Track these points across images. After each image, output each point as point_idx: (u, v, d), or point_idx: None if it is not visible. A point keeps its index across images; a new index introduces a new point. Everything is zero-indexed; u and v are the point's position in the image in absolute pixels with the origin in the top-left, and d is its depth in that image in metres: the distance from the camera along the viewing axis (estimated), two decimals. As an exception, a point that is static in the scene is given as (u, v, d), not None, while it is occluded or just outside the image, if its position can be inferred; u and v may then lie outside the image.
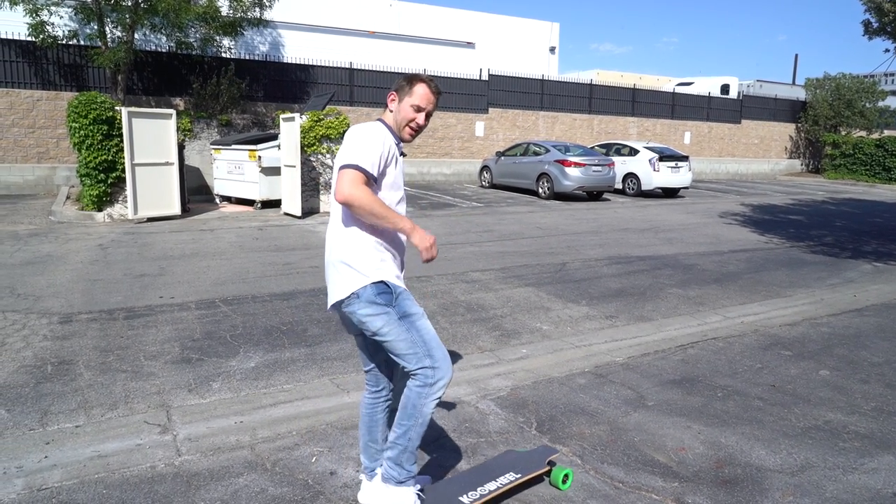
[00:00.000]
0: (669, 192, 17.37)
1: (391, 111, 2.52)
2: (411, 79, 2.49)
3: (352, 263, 2.41)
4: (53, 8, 12.33)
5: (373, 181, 2.35)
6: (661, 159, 16.66)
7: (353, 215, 2.38)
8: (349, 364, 4.35)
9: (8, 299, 5.70)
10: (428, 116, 2.51)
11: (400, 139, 2.53)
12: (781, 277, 7.50)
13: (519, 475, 2.79)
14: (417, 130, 2.51)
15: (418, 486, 2.59)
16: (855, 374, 4.44)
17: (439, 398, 2.45)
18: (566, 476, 2.87)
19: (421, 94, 2.46)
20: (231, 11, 13.47)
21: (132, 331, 4.94)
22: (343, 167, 2.32)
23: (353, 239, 2.42)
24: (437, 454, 3.19)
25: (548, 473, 2.91)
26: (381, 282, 2.40)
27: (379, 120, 2.53)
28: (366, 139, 2.38)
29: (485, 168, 17.83)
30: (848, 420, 3.69)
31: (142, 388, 3.88)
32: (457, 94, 19.04)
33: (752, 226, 11.91)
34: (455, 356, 4.60)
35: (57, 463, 3.00)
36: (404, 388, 2.51)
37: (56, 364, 4.21)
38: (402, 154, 2.57)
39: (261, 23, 14.31)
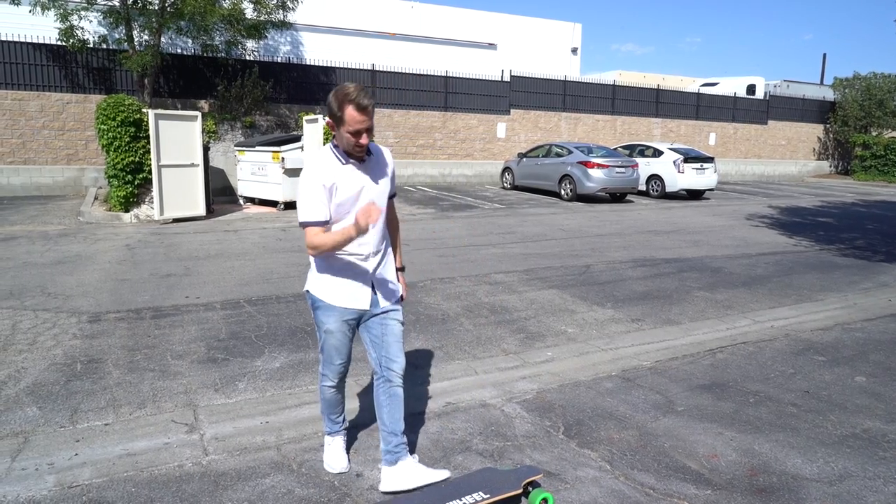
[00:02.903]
0: (694, 194, 17.13)
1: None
2: (340, 103, 2.45)
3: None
4: (83, 13, 12.59)
5: (329, 222, 2.58)
6: (685, 161, 16.44)
7: None
8: (373, 365, 4.33)
9: (39, 298, 5.80)
10: (369, 131, 2.51)
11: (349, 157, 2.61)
12: (812, 281, 7.33)
13: (488, 496, 2.64)
14: (363, 148, 2.55)
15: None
16: (893, 380, 4.31)
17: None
18: (545, 500, 2.67)
19: (350, 117, 2.45)
20: (255, 14, 13.62)
21: (159, 330, 4.98)
22: (300, 225, 2.60)
23: None
24: (463, 457, 3.16)
25: (525, 495, 2.74)
26: (308, 291, 2.78)
27: (330, 143, 2.65)
28: (302, 189, 2.57)
29: (506, 169, 17.75)
30: (887, 428, 3.57)
31: (169, 387, 3.91)
32: (478, 96, 19.00)
33: (780, 228, 11.67)
34: (479, 358, 4.57)
35: (87, 461, 3.03)
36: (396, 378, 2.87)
37: (85, 362, 4.26)
38: (364, 158, 2.61)
39: (284, 25, 14.44)
